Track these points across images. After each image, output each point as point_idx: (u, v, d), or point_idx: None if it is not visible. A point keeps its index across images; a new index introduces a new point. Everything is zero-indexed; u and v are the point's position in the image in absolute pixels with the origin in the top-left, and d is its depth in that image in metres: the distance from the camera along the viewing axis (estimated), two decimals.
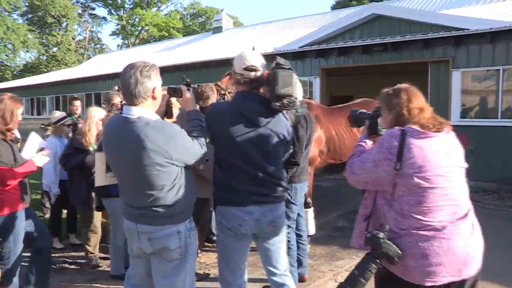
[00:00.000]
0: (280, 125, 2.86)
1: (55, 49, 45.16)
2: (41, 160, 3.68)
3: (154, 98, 2.54)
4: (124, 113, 2.53)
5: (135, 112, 2.48)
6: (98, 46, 53.90)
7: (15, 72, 44.38)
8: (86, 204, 5.07)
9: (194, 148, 2.61)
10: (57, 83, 23.47)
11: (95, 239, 5.30)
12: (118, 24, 49.73)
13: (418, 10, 13.91)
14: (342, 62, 12.37)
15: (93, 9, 50.03)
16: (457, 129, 8.67)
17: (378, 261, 2.29)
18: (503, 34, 9.73)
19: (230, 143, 2.76)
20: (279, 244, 3.02)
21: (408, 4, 18.84)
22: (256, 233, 2.88)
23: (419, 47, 10.95)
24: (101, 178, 2.95)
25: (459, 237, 2.26)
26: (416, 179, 2.23)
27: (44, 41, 44.79)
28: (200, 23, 52.15)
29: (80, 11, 48.24)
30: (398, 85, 2.60)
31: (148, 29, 48.07)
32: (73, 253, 5.81)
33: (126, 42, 50.24)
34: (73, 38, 48.24)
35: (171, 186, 2.53)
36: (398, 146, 2.26)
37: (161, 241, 2.56)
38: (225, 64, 15.00)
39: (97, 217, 5.29)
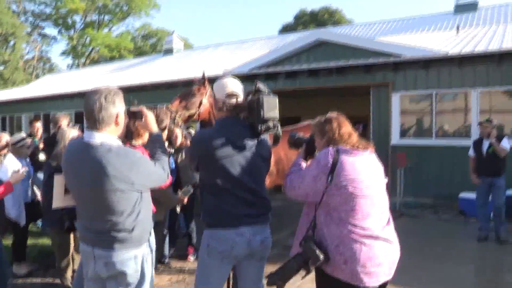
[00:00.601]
0: (264, 147, 2.96)
1: (1, 67, 43.73)
2: (17, 177, 3.70)
3: (117, 123, 2.56)
4: (86, 137, 2.53)
5: (97, 137, 2.49)
6: (47, 65, 52.64)
7: None
8: (59, 226, 4.62)
9: (157, 173, 2.65)
10: (4, 102, 22.85)
11: (71, 268, 4.83)
12: (68, 44, 48.82)
13: (360, 37, 14.75)
14: (289, 84, 12.86)
15: (43, 28, 49.00)
16: (397, 148, 9.37)
17: (304, 263, 2.59)
18: (435, 61, 10.59)
19: (219, 167, 2.80)
20: (264, 264, 3.06)
21: (350, 30, 19.88)
22: (247, 254, 2.88)
23: (361, 72, 11.62)
24: (59, 199, 2.99)
25: (390, 240, 2.63)
26: (350, 190, 2.53)
27: None
28: (151, 44, 51.99)
29: (29, 30, 47.11)
30: (329, 114, 2.92)
31: (99, 50, 47.49)
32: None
33: (77, 62, 49.37)
34: (22, 57, 46.94)
35: (130, 211, 2.54)
36: (332, 162, 2.58)
37: (118, 265, 2.53)
38: (176, 85, 15.22)
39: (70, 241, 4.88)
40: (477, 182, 7.44)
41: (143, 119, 2.87)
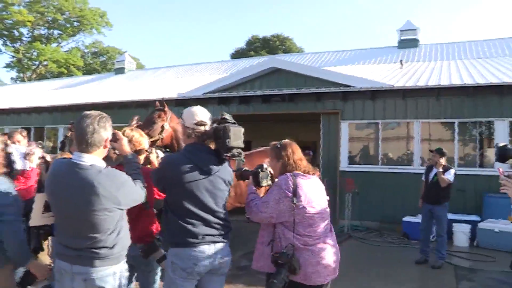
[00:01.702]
0: (226, 172, 3.19)
1: None
2: None
3: (105, 147, 2.74)
4: (75, 159, 2.66)
5: (87, 159, 2.63)
6: None
7: None
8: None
9: (138, 192, 2.86)
10: None
11: None
12: (13, 57, 47.18)
13: (312, 66, 15.40)
14: (242, 110, 13.16)
15: None
16: (345, 173, 9.78)
17: (284, 272, 3.02)
18: (382, 92, 11.30)
19: (185, 190, 3.01)
20: (224, 279, 3.29)
21: (301, 58, 20.62)
22: (208, 271, 3.09)
23: (312, 99, 12.15)
24: (37, 218, 2.98)
25: (333, 245, 3.26)
26: (308, 208, 3.11)
27: None
28: (101, 62, 51.20)
29: None
30: (284, 141, 3.45)
31: (46, 64, 46.17)
32: None
33: (22, 75, 47.73)
34: None
35: (113, 229, 2.68)
36: (293, 186, 3.11)
37: (97, 281, 2.62)
38: (129, 106, 15.19)
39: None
40: (420, 207, 7.95)
41: (117, 142, 3.08)
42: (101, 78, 26.62)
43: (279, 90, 12.56)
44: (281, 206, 3.10)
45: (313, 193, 3.20)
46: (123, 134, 3.58)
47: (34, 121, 18.07)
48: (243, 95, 13.09)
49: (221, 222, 3.13)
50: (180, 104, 14.14)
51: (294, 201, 3.08)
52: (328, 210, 3.33)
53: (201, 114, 3.23)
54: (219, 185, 3.12)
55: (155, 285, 3.64)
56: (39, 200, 2.90)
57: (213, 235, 3.08)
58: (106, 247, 2.66)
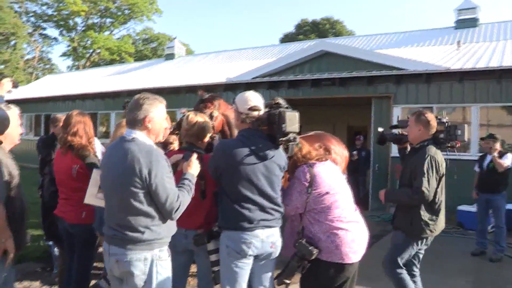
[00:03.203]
0: (281, 157, 3.22)
1: (2, 66, 43.69)
2: None
3: (149, 125, 2.76)
4: (124, 134, 2.79)
5: (131, 134, 2.74)
6: (47, 66, 52.67)
7: None
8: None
9: (172, 189, 2.72)
10: (7, 101, 22.69)
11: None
12: (69, 46, 48.90)
13: (363, 49, 14.91)
14: (292, 94, 12.99)
15: (44, 29, 48.99)
16: (397, 160, 9.35)
17: (301, 259, 3.18)
18: (437, 75, 10.77)
19: (241, 175, 3.07)
20: (274, 263, 3.32)
21: (352, 41, 20.06)
22: (259, 254, 3.15)
23: (364, 83, 11.80)
24: (91, 196, 3.05)
25: (362, 222, 3.36)
26: (330, 194, 3.20)
27: None
28: (152, 48, 52.16)
29: (30, 30, 47.16)
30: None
31: (99, 52, 47.56)
32: None
33: (77, 64, 49.43)
34: (22, 57, 46.96)
35: (143, 211, 2.67)
36: (309, 176, 3.20)
37: (126, 264, 2.67)
38: (179, 91, 15.35)
39: None
40: (476, 198, 7.55)
41: (187, 161, 3.05)
42: (151, 64, 27.04)
43: (329, 74, 12.27)
44: (303, 196, 3.20)
45: (331, 178, 3.29)
46: (187, 118, 3.62)
47: (88, 107, 18.63)
48: (292, 79, 12.89)
49: (275, 207, 3.18)
50: (229, 89, 14.15)
51: (309, 191, 3.16)
52: (347, 188, 3.41)
53: (255, 99, 3.26)
54: (274, 170, 3.15)
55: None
56: (94, 177, 2.90)
57: (268, 220, 3.14)
58: (137, 231, 2.67)
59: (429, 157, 4.00)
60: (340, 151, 5.09)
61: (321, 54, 12.83)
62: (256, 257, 3.18)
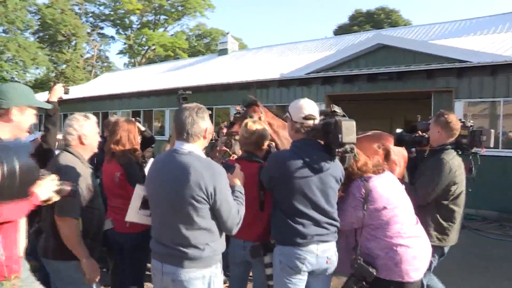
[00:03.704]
0: (337, 169, 3.05)
1: (64, 66, 45.73)
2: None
3: (205, 137, 2.72)
4: (177, 147, 2.68)
5: (186, 147, 2.64)
6: (105, 64, 54.58)
7: None
8: None
9: (233, 203, 2.67)
10: (66, 100, 23.61)
11: None
12: (125, 44, 50.44)
13: (421, 41, 14.25)
14: (347, 89, 12.67)
15: (102, 28, 50.84)
16: (461, 158, 8.77)
17: (358, 279, 3.03)
18: (503, 67, 10.06)
19: (295, 188, 2.94)
20: (330, 278, 3.21)
21: (409, 32, 19.29)
22: (314, 270, 3.04)
23: (422, 77, 11.27)
24: (133, 213, 2.99)
25: (422, 236, 3.17)
26: (387, 209, 3.02)
27: (53, 58, 45.36)
28: (205, 44, 52.78)
29: (89, 30, 49.05)
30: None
31: (154, 49, 48.71)
32: None
33: (133, 61, 50.88)
34: (82, 56, 48.93)
35: (204, 226, 2.59)
36: (364, 192, 3.03)
37: (184, 283, 2.58)
38: (231, 88, 15.35)
39: None
40: None
41: (233, 173, 2.97)
42: (205, 60, 27.28)
43: (386, 68, 11.81)
44: (359, 213, 3.06)
45: (389, 192, 3.10)
46: (246, 126, 3.53)
47: (144, 104, 19.04)
48: (347, 74, 12.53)
49: (330, 221, 3.04)
50: (283, 84, 13.99)
51: (365, 208, 3.01)
52: (408, 201, 3.22)
53: (309, 107, 3.13)
54: (329, 183, 3.00)
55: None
56: (138, 192, 2.83)
57: (322, 235, 3.01)
58: (196, 247, 2.57)
59: (442, 161, 3.73)
60: (399, 151, 4.87)
61: (377, 48, 12.37)
62: (311, 273, 3.07)
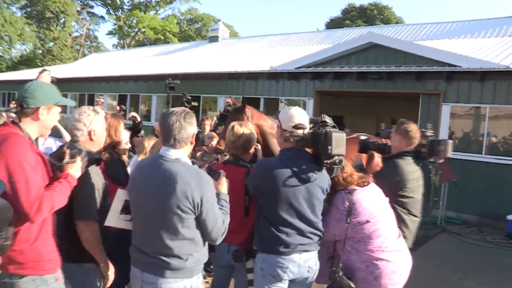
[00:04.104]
0: (324, 179, 3.04)
1: (51, 44, 44.97)
2: None
3: (192, 143, 2.66)
4: (162, 152, 2.61)
5: (173, 153, 2.56)
6: (94, 44, 53.81)
7: (9, 64, 44.02)
8: None
9: (219, 213, 2.61)
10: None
11: None
12: (115, 24, 49.78)
13: (413, 42, 14.25)
14: (336, 86, 12.61)
15: (92, 7, 50.13)
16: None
17: None
18: (492, 73, 10.10)
19: (281, 197, 2.93)
20: (311, 287, 3.22)
21: (401, 31, 19.33)
22: (295, 278, 3.04)
23: (412, 78, 11.25)
24: (114, 217, 2.92)
25: (403, 250, 3.18)
26: (370, 222, 3.02)
27: (41, 35, 44.62)
28: (196, 29, 52.33)
29: (79, 9, 48.23)
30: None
31: (144, 31, 48.12)
32: None
33: (122, 42, 50.23)
34: (70, 35, 48.16)
35: (188, 237, 2.52)
36: (348, 205, 3.03)
37: None
38: (220, 77, 15.23)
39: None
40: None
41: (218, 180, 2.86)
42: (195, 46, 27.05)
43: (377, 67, 11.79)
44: (342, 225, 3.05)
45: (373, 205, 3.09)
46: (233, 129, 3.46)
47: (131, 88, 18.80)
48: (337, 70, 12.47)
49: (315, 231, 3.05)
50: (272, 77, 13.91)
51: (348, 221, 3.00)
52: (391, 214, 3.23)
53: (300, 116, 3.11)
54: (316, 193, 3.00)
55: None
56: (120, 197, 2.77)
57: (305, 244, 3.01)
58: (179, 258, 2.52)
59: (395, 164, 3.80)
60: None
61: (369, 46, 12.33)
62: (292, 281, 3.07)
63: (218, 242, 2.67)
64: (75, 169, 2.59)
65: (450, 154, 4.12)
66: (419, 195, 3.95)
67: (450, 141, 4.13)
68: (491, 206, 9.91)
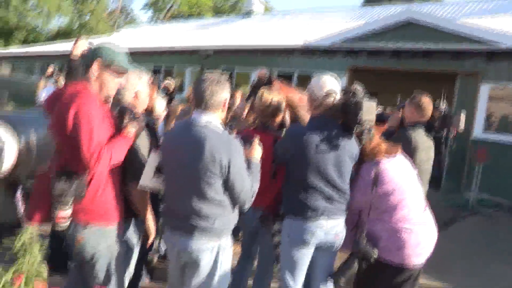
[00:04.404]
0: (353, 147, 3.09)
1: (87, 17, 45.56)
2: None
3: (224, 109, 2.74)
4: (194, 118, 2.68)
5: (204, 118, 2.64)
6: (128, 18, 54.22)
7: (48, 37, 44.88)
8: None
9: (246, 178, 2.67)
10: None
11: None
12: None
13: (451, 20, 13.77)
14: (371, 63, 12.42)
15: None
16: (478, 142, 8.78)
17: (359, 258, 3.04)
18: None
19: (310, 163, 2.99)
20: (336, 254, 3.29)
21: (440, 9, 18.68)
22: (322, 244, 3.11)
23: (449, 58, 10.96)
24: (147, 178, 3.00)
25: (428, 224, 3.15)
26: (396, 193, 3.02)
27: (77, 8, 45.17)
28: (230, 5, 51.96)
29: None
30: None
31: (179, 5, 48.13)
32: None
33: (157, 15, 50.44)
34: (106, 8, 48.62)
35: (216, 199, 2.60)
36: (374, 175, 3.03)
37: (193, 254, 2.64)
38: (253, 52, 15.17)
39: None
40: None
41: (251, 147, 2.91)
42: (229, 21, 26.86)
43: (413, 45, 11.50)
44: (367, 195, 3.06)
45: (399, 176, 3.09)
46: (261, 96, 3.50)
47: (165, 62, 18.95)
48: (372, 48, 12.24)
49: (342, 198, 3.10)
50: (305, 53, 13.78)
51: (373, 191, 3.01)
52: (418, 187, 3.22)
53: (331, 84, 3.14)
54: (345, 160, 3.05)
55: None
56: (153, 159, 2.85)
57: (333, 210, 3.08)
58: (207, 219, 2.61)
59: (406, 134, 3.90)
60: None
61: (405, 23, 12.01)
62: (318, 247, 3.14)
63: (246, 207, 2.75)
64: (133, 128, 2.70)
65: (463, 127, 4.18)
66: (429, 166, 4.05)
67: (463, 115, 4.24)
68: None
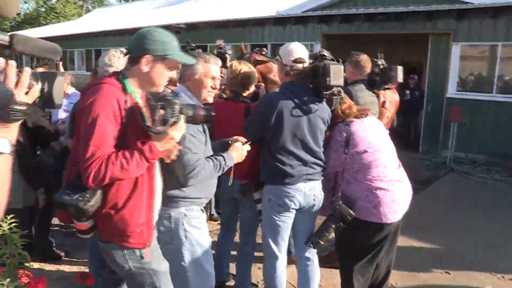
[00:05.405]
0: (325, 111, 3.14)
1: (54, 0, 44.30)
2: None
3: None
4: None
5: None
6: None
7: (13, 24, 43.61)
8: None
9: (191, 154, 2.50)
10: (57, 38, 22.94)
11: None
12: None
13: None
14: (344, 29, 12.39)
15: None
16: (452, 101, 8.85)
17: (336, 219, 3.10)
18: (506, 9, 9.77)
19: (285, 129, 3.02)
20: (316, 216, 3.34)
21: None
22: (302, 207, 3.17)
23: (421, 19, 11.00)
24: None
25: (403, 180, 3.21)
26: (369, 152, 3.07)
27: None
28: None
29: None
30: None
31: None
32: None
33: None
34: None
35: (169, 169, 2.52)
36: (346, 136, 3.09)
37: (158, 221, 2.56)
38: (226, 25, 14.99)
39: None
40: None
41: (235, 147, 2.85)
42: None
43: (385, 8, 11.51)
44: (341, 156, 3.12)
45: (371, 136, 3.14)
46: (231, 66, 3.55)
47: (128, 42, 18.58)
48: (344, 13, 12.21)
49: (318, 161, 3.16)
50: (278, 23, 13.67)
51: (346, 151, 3.08)
52: (391, 145, 3.28)
53: (300, 51, 3.16)
54: (318, 124, 3.11)
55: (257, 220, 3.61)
56: None
57: (310, 174, 3.13)
58: (171, 187, 2.58)
59: (348, 90, 3.92)
60: (389, 95, 4.84)
61: None
62: (299, 210, 3.20)
63: (188, 185, 2.60)
64: (178, 132, 2.20)
65: (401, 79, 4.33)
66: None
67: (400, 67, 4.38)
68: (501, 145, 9.88)
